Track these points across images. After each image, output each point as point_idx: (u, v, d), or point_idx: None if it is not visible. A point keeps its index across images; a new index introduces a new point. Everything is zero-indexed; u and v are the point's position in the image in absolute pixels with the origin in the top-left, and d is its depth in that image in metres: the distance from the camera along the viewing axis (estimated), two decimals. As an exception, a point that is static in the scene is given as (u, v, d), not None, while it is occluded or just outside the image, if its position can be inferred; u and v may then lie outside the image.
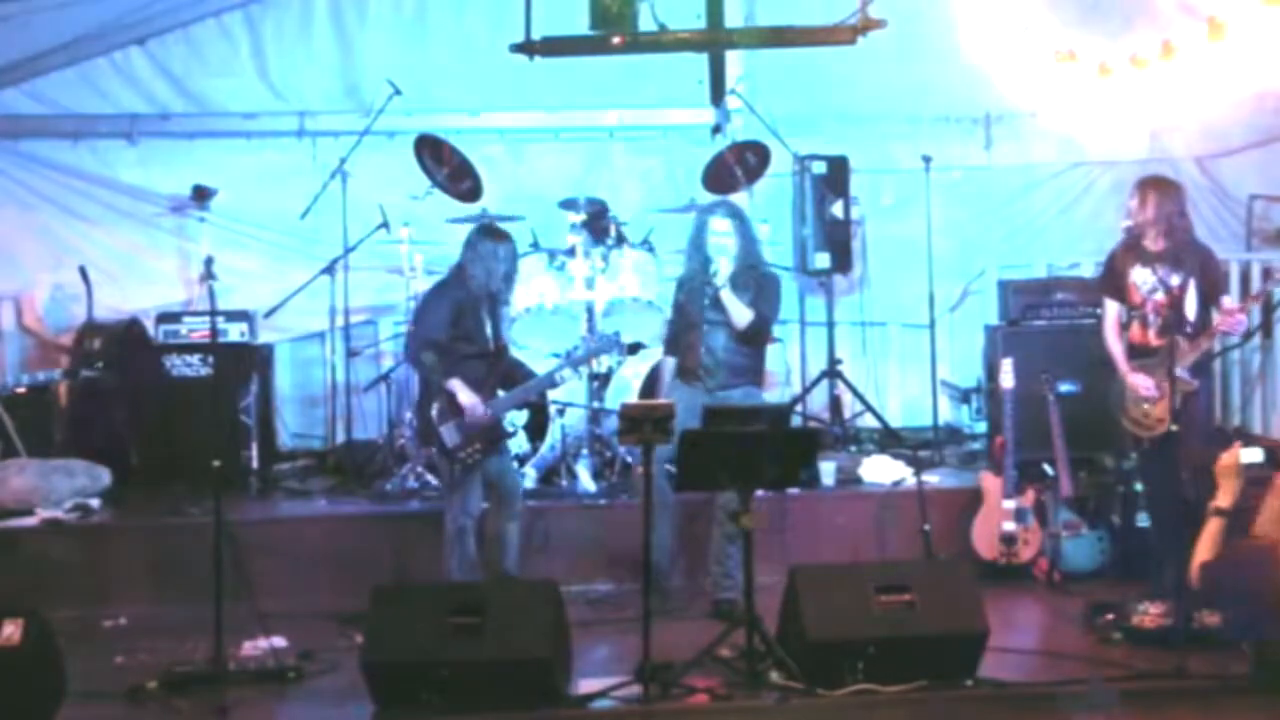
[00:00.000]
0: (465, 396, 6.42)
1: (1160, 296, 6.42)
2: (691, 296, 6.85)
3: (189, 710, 5.43)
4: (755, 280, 6.77)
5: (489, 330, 6.67)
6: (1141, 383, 6.42)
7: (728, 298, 6.65)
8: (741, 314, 6.64)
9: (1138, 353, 6.53)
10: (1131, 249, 6.53)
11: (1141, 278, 6.48)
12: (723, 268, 6.71)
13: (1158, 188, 6.51)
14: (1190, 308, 6.41)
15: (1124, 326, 6.65)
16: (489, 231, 6.78)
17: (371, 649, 5.39)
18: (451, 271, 6.75)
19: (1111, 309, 6.67)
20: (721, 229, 6.76)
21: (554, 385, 6.92)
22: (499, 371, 6.67)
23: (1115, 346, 6.62)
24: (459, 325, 6.53)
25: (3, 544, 6.99)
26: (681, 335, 6.88)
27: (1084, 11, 7.92)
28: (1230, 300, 6.63)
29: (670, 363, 6.94)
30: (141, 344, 8.22)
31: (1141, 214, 6.46)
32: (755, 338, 6.79)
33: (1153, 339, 6.46)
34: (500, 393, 6.62)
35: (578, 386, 7.68)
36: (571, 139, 9.21)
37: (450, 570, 6.42)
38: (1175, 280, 6.41)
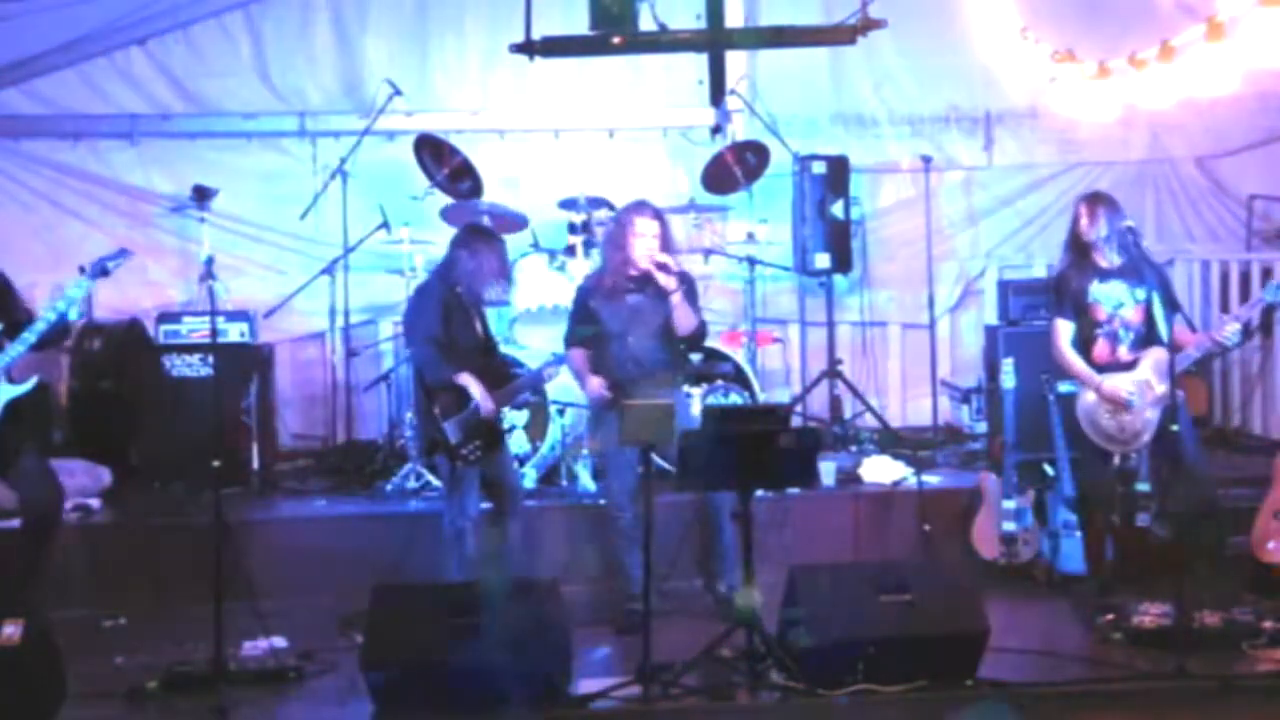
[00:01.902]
0: (477, 390, 6.39)
1: (1128, 312, 6.33)
2: (606, 303, 6.54)
3: (189, 710, 5.42)
4: (690, 284, 6.56)
5: (478, 327, 6.65)
6: (1123, 385, 6.27)
7: (680, 303, 6.40)
8: (689, 319, 6.44)
9: (1106, 370, 6.38)
10: (1084, 267, 6.43)
11: (1103, 294, 6.37)
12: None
13: (1106, 204, 6.43)
14: (1159, 321, 6.30)
15: (1079, 345, 6.45)
16: (479, 232, 6.74)
17: (371, 649, 5.39)
18: (436, 270, 6.70)
19: (1065, 329, 6.47)
20: (648, 230, 6.48)
21: (544, 381, 6.90)
22: (492, 368, 6.65)
23: (1077, 363, 6.43)
24: (450, 323, 6.49)
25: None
26: (599, 346, 6.56)
27: (1083, 12, 7.95)
28: (1181, 324, 6.42)
29: (579, 355, 6.61)
30: (142, 344, 8.21)
31: (1094, 230, 6.38)
32: (697, 341, 6.82)
33: (1123, 355, 6.34)
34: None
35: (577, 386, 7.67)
36: (571, 139, 9.22)
37: (450, 570, 6.41)
38: (1140, 294, 6.34)
